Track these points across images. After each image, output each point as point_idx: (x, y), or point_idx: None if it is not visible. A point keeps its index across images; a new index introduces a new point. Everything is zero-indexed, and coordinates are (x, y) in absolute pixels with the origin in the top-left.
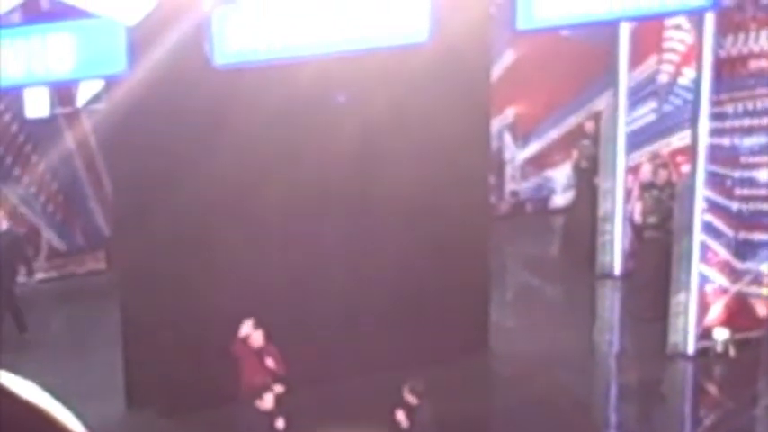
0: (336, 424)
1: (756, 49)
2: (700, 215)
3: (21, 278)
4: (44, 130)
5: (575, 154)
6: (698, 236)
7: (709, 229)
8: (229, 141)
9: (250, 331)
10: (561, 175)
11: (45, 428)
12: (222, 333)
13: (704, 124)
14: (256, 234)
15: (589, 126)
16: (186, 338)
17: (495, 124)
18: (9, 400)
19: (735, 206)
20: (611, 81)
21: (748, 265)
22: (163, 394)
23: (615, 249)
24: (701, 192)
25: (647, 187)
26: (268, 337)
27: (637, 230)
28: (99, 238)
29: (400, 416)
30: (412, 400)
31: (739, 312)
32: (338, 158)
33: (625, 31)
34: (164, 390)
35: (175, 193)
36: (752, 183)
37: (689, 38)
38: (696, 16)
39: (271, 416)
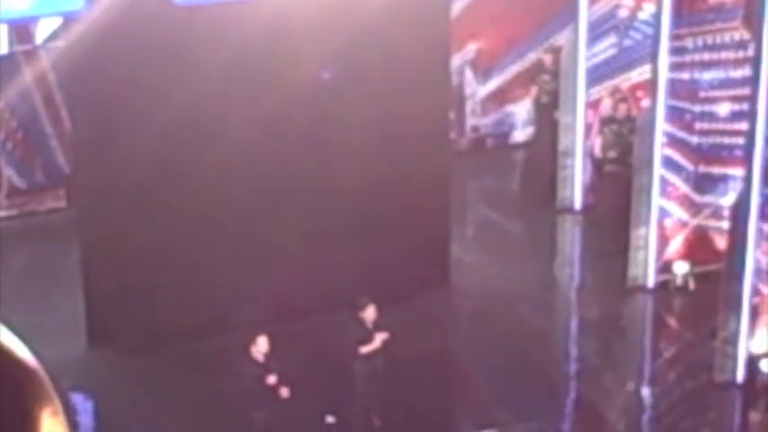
0: (296, 362)
1: None
2: (659, 149)
3: None
4: (2, 68)
5: (534, 89)
6: (658, 170)
7: (668, 163)
8: (188, 77)
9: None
10: (522, 110)
11: None
12: (183, 270)
13: (664, 59)
14: (216, 168)
15: (548, 60)
16: (147, 276)
17: (456, 60)
18: None
19: (694, 140)
20: (571, 16)
21: (708, 198)
22: (124, 332)
23: (575, 184)
24: (661, 126)
25: (607, 122)
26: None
27: (597, 165)
28: (59, 175)
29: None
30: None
31: (699, 246)
32: (297, 95)
33: None
34: (125, 327)
35: (134, 130)
36: (711, 117)
37: None
38: None
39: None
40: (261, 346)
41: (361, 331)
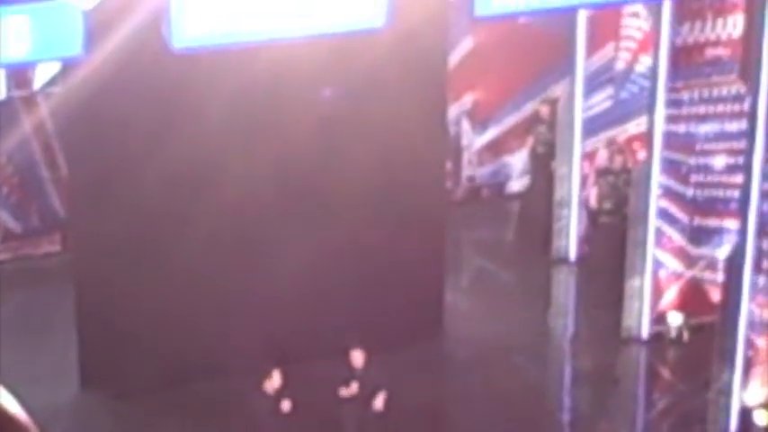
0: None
1: (713, 37)
2: (655, 201)
3: None
4: (0, 113)
5: (530, 140)
6: (653, 221)
7: (664, 214)
8: (186, 125)
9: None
10: (518, 160)
11: None
12: (177, 315)
13: (660, 111)
14: (212, 216)
15: (544, 111)
16: (141, 320)
17: (453, 110)
18: None
19: (690, 192)
20: (568, 68)
21: (702, 250)
22: (116, 376)
23: (570, 234)
24: (657, 178)
25: (602, 173)
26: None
27: (592, 216)
28: (55, 220)
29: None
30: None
31: (693, 297)
32: (296, 143)
33: (582, 19)
34: (118, 372)
35: (131, 176)
36: (707, 169)
37: (646, 25)
38: (653, 4)
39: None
40: (275, 382)
41: (346, 375)
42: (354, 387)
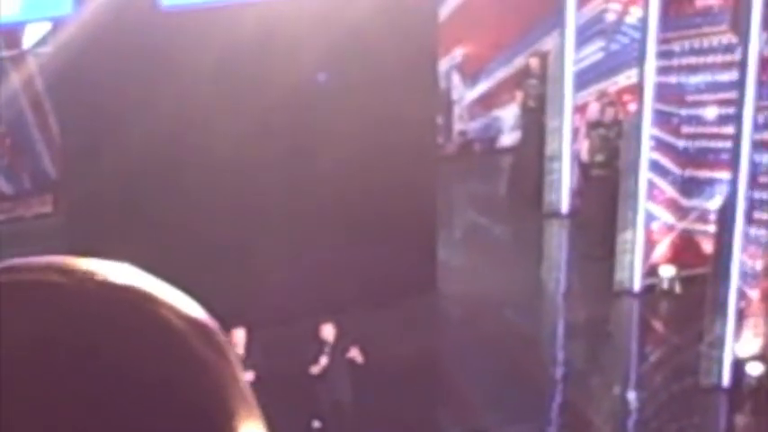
0: (280, 365)
1: None
2: (646, 153)
3: None
4: None
5: (520, 94)
6: (644, 174)
7: (655, 166)
8: (175, 83)
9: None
10: (509, 114)
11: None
12: (167, 274)
13: (651, 62)
14: (202, 173)
15: (534, 64)
16: None
17: (444, 64)
18: (102, 286)
19: (681, 144)
20: (558, 20)
21: (694, 202)
22: None
23: (562, 188)
24: (648, 130)
25: (594, 126)
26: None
27: (584, 169)
28: (46, 181)
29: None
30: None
31: (685, 249)
32: (283, 100)
33: None
34: None
35: (122, 135)
36: (698, 120)
37: None
38: None
39: None
40: (237, 339)
41: (317, 350)
42: (324, 361)
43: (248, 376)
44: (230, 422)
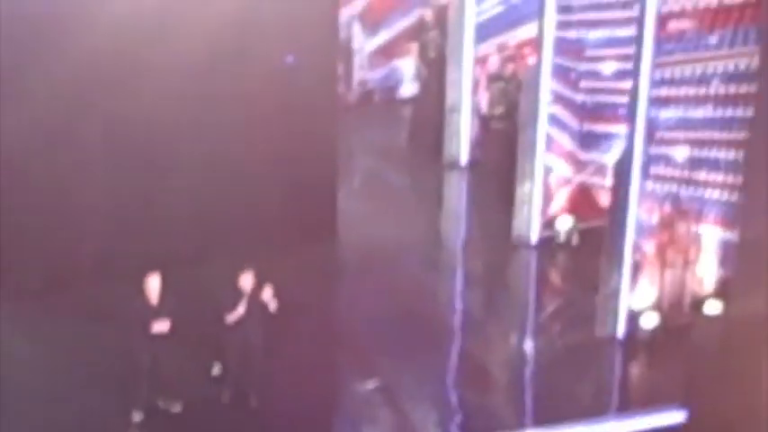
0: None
1: None
2: (545, 106)
3: None
4: None
5: (416, 46)
6: (543, 127)
7: (554, 120)
8: (102, 17)
9: None
10: (409, 65)
11: None
12: (67, 215)
13: (550, 17)
14: (114, 120)
15: (429, 16)
16: (30, 220)
17: (345, 13)
18: None
19: (580, 98)
20: None
21: (592, 155)
22: (13, 277)
23: (462, 139)
24: (547, 83)
25: (493, 78)
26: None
27: (484, 121)
28: None
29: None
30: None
31: (582, 202)
32: (185, 54)
33: None
34: (14, 272)
35: (45, 69)
36: (597, 75)
37: None
38: None
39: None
40: (152, 285)
41: (234, 298)
42: (241, 310)
43: (164, 325)
44: None
